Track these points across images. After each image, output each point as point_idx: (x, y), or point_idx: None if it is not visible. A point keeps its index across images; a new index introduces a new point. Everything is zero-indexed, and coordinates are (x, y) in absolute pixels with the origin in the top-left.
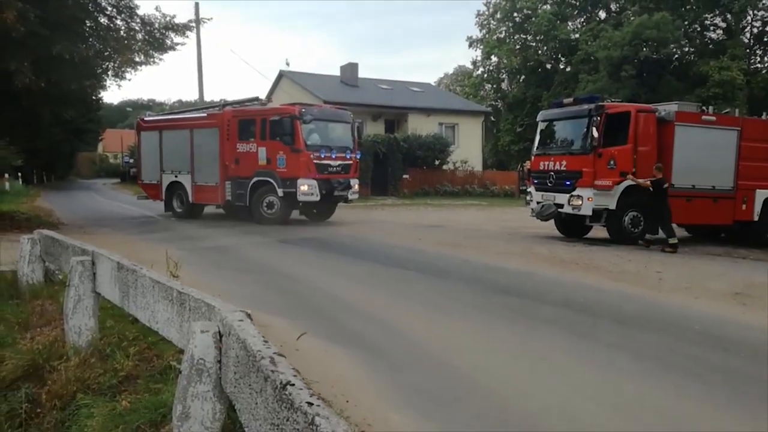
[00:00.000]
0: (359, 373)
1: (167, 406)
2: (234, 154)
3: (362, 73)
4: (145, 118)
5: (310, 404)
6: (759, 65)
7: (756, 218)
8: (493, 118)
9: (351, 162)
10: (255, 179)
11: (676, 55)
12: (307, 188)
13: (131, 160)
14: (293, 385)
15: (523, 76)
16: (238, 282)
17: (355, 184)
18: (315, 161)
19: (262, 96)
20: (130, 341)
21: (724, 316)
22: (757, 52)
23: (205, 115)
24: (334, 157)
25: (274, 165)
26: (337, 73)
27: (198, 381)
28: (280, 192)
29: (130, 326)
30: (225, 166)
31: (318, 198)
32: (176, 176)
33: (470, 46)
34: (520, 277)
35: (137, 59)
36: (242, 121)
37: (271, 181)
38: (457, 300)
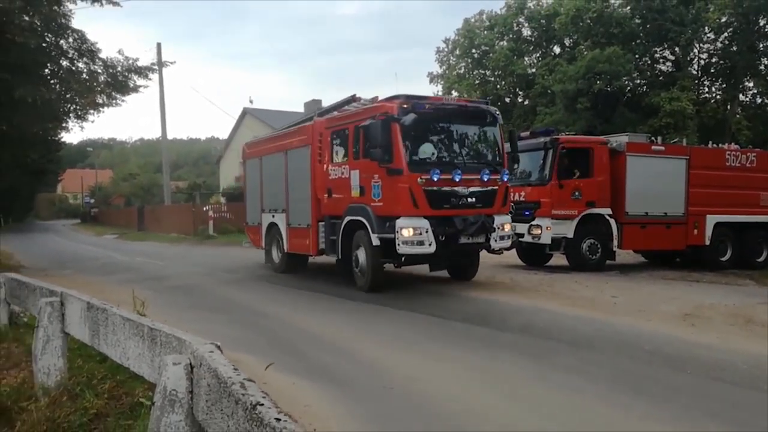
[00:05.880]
0: (327, 403)
1: None
2: (326, 181)
3: None
4: (249, 142)
5: (278, 420)
6: (707, 95)
7: (707, 242)
8: None
9: (494, 187)
10: (347, 219)
11: (629, 87)
12: (411, 233)
13: (92, 200)
14: (262, 404)
15: None
16: (204, 320)
17: (504, 222)
18: (425, 188)
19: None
20: (99, 380)
21: (674, 335)
22: (705, 82)
23: (297, 129)
24: (458, 180)
25: (368, 196)
26: (301, 109)
27: (171, 411)
28: (374, 239)
29: (99, 365)
30: (317, 200)
31: (433, 249)
32: (273, 216)
33: (431, 81)
34: (483, 306)
35: (100, 101)
36: (335, 133)
37: (364, 221)
38: (422, 330)
